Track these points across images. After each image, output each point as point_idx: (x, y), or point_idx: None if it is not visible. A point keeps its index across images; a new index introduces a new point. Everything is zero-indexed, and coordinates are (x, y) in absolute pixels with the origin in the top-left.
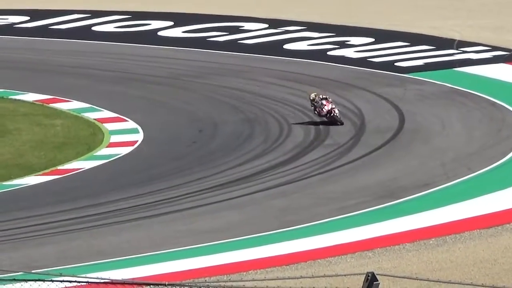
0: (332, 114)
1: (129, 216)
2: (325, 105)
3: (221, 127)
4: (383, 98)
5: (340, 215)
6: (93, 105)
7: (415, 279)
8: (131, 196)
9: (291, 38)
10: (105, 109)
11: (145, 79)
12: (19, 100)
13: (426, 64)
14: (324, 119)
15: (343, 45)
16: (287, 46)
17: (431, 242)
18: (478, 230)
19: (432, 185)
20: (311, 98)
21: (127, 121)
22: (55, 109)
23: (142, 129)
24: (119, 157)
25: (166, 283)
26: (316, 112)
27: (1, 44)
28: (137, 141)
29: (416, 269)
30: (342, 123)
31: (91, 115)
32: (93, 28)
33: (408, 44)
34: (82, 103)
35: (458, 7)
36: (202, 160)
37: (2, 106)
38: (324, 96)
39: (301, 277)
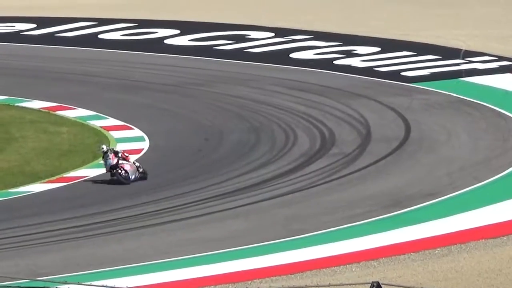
0: (115, 171)
1: (134, 224)
2: (110, 159)
3: (227, 136)
4: (389, 107)
5: (346, 224)
6: (99, 113)
7: None
8: (136, 204)
9: (297, 47)
10: (111, 117)
11: (151, 87)
12: (25, 107)
13: (432, 73)
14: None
15: (349, 54)
16: (293, 55)
17: (436, 251)
18: (483, 240)
19: (437, 194)
20: (103, 150)
21: (133, 129)
22: (61, 117)
23: (148, 137)
24: None
25: None
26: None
27: (8, 51)
28: (143, 149)
29: (421, 279)
30: (126, 183)
31: (97, 123)
32: (100, 36)
33: (415, 53)
34: (88, 110)
35: (465, 18)
36: (208, 168)
37: (8, 113)
38: (115, 150)
39: (306, 286)
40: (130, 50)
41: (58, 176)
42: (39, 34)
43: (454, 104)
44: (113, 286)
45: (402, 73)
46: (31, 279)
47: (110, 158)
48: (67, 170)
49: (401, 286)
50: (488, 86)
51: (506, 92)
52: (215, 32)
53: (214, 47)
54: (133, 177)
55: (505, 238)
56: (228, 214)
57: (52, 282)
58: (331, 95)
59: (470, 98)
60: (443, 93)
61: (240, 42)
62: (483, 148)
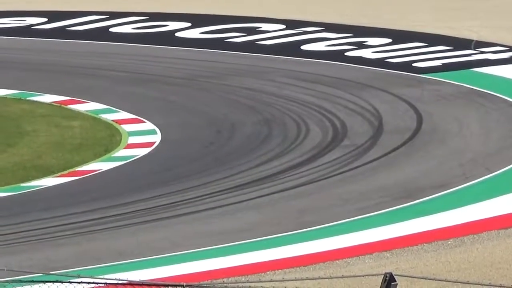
0: None
1: (148, 217)
2: None
3: (239, 128)
4: (400, 98)
5: (358, 215)
6: (110, 106)
7: (433, 279)
8: (149, 197)
9: (308, 39)
10: (123, 110)
11: (162, 80)
12: (37, 101)
13: (444, 64)
14: None
15: (360, 45)
16: (304, 47)
17: (449, 242)
18: (496, 230)
19: (450, 185)
20: None
21: (144, 122)
22: (73, 111)
23: (160, 130)
24: (137, 158)
25: (184, 284)
26: None
27: (19, 45)
28: (155, 142)
29: (434, 270)
30: None
31: (109, 117)
32: (111, 29)
33: (426, 44)
34: (100, 104)
35: (476, 8)
36: (220, 161)
37: (20, 107)
38: None
39: (319, 277)
40: (141, 43)
41: (70, 170)
42: (50, 28)
43: (466, 95)
44: (126, 279)
45: (413, 64)
46: (44, 273)
47: None
48: (79, 163)
49: (414, 277)
50: (500, 76)
51: None
52: (226, 25)
53: (225, 40)
54: None
55: None
56: (240, 206)
57: (65, 275)
58: (343, 87)
59: (482, 88)
60: (454, 83)
61: (251, 35)
62: (495, 139)
